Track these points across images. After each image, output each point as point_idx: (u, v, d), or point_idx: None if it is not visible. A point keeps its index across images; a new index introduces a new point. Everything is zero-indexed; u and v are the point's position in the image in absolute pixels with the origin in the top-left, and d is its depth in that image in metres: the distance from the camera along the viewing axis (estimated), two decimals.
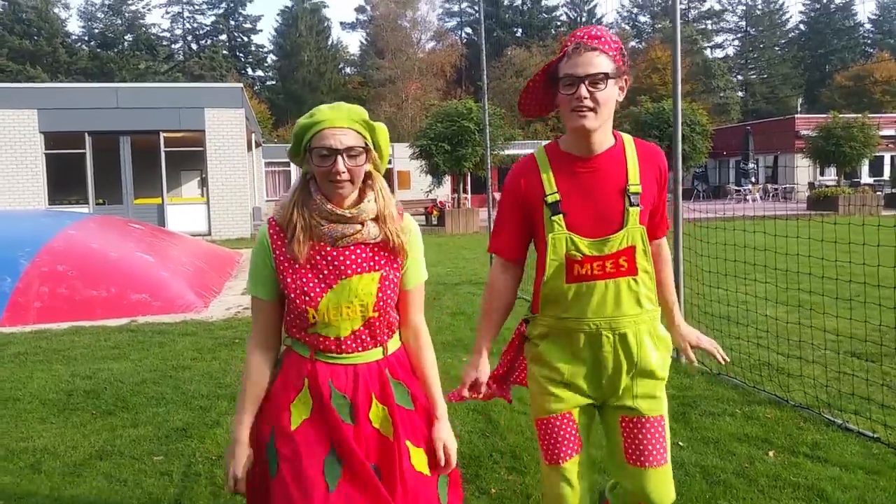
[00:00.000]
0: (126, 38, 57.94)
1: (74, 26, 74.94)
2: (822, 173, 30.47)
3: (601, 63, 1.93)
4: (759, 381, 4.70)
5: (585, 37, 1.97)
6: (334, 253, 1.81)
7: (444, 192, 26.03)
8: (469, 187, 25.48)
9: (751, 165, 29.36)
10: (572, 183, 2.04)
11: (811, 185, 28.14)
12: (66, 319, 7.60)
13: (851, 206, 21.29)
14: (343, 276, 1.80)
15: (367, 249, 1.84)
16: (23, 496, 3.29)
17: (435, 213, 22.21)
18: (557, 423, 2.11)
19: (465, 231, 20.19)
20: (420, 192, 26.66)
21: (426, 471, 1.88)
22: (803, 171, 28.92)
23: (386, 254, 1.86)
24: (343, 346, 1.83)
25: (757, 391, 4.56)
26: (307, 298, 1.79)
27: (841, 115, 24.47)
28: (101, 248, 8.72)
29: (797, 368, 4.93)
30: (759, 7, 65.80)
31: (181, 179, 24.48)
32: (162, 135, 19.58)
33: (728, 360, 2.27)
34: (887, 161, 32.13)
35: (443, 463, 1.90)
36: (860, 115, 24.12)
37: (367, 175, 1.86)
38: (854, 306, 5.88)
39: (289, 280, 1.81)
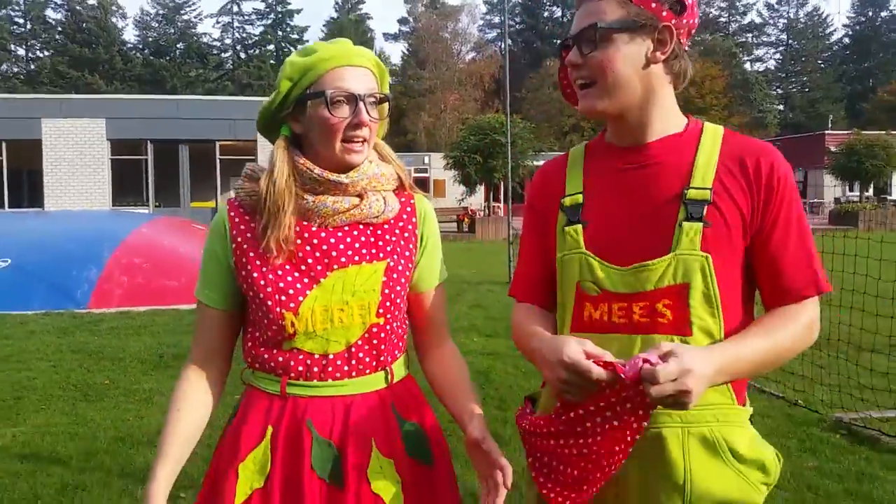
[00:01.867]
0: (178, 46, 60.69)
1: (130, 35, 78.23)
2: (850, 189, 30.98)
3: (596, 10, 1.27)
4: None
5: None
6: (322, 235, 1.36)
7: (477, 201, 27.32)
8: (502, 196, 26.85)
9: None
10: (609, 182, 1.35)
11: (837, 201, 28.73)
12: (144, 304, 8.96)
13: (872, 223, 21.93)
14: (335, 266, 1.34)
15: (368, 230, 1.39)
16: (143, 416, 4.58)
17: (466, 220, 23.54)
18: None
19: (496, 238, 21.44)
20: (454, 201, 28.01)
21: None
22: (831, 186, 29.52)
23: (392, 237, 1.40)
24: (330, 369, 1.33)
25: None
26: (283, 298, 1.31)
27: (864, 133, 25.16)
28: (171, 244, 10.11)
29: None
30: (802, 20, 65.89)
31: (233, 185, 26.17)
32: (217, 143, 21.20)
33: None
34: None
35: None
36: (883, 133, 24.79)
37: None
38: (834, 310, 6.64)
39: (256, 275, 1.33)
